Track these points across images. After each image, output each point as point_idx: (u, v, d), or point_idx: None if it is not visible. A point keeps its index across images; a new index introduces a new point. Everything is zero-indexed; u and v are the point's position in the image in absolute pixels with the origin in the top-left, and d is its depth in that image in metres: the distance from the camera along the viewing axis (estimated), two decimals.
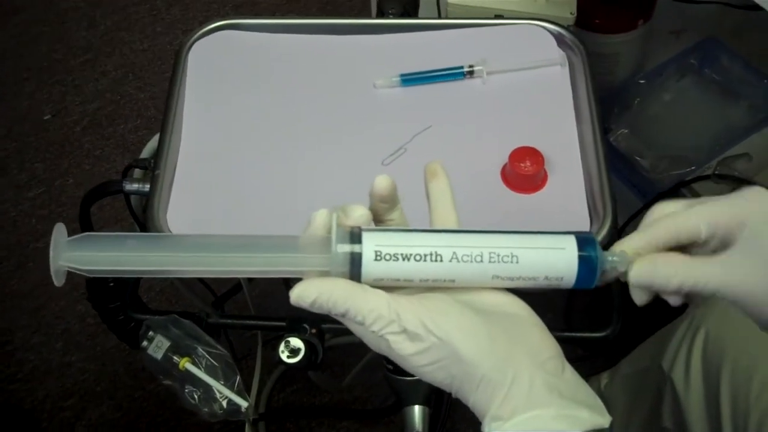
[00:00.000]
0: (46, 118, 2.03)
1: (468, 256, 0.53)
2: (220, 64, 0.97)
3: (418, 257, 0.52)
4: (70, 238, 0.50)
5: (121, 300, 0.93)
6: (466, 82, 0.95)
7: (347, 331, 0.54)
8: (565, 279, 0.54)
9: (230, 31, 1.00)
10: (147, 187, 0.86)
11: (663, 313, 0.58)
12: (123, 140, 1.98)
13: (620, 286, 0.58)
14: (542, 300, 0.57)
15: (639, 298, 0.57)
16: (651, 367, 1.10)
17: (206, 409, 0.82)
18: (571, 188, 0.85)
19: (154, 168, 0.86)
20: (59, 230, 0.50)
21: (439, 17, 1.21)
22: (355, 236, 0.52)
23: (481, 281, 0.54)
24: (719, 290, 0.53)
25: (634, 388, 1.18)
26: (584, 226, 0.82)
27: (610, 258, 0.55)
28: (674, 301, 0.57)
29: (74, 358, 1.64)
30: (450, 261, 0.52)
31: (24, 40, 2.19)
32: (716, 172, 1.30)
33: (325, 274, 0.52)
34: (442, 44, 0.98)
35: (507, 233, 0.55)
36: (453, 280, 0.53)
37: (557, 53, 0.96)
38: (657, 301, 0.57)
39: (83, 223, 0.90)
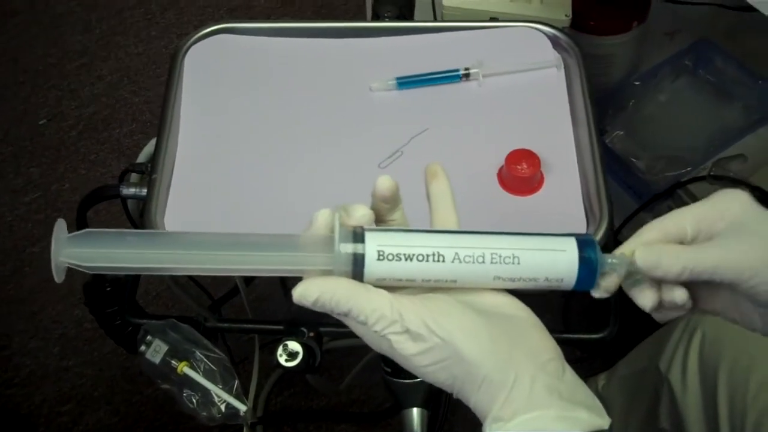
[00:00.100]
0: (41, 122, 2.03)
1: (470, 256, 0.53)
2: (216, 68, 0.97)
3: (420, 257, 0.52)
4: (71, 234, 0.50)
5: (119, 304, 0.93)
6: (462, 85, 0.95)
7: (345, 335, 0.55)
8: (565, 280, 0.55)
9: (226, 35, 1.00)
10: (144, 191, 0.86)
11: None
12: (118, 144, 1.98)
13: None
14: (540, 301, 0.57)
15: (648, 299, 0.57)
16: (648, 368, 1.10)
17: (204, 413, 0.82)
18: (568, 190, 0.86)
19: (151, 172, 0.86)
20: (60, 226, 0.50)
21: (435, 20, 1.21)
22: (357, 236, 0.52)
23: (483, 282, 0.54)
24: (716, 271, 0.53)
25: (631, 389, 1.19)
26: (581, 227, 0.82)
27: (609, 260, 0.55)
28: (680, 296, 0.57)
29: (71, 363, 1.64)
30: (452, 261, 0.53)
31: (19, 44, 2.19)
32: (711, 173, 1.31)
33: (327, 273, 0.52)
34: (437, 47, 0.98)
35: (508, 234, 0.55)
36: (455, 281, 0.53)
37: (553, 55, 0.97)
38: None
39: (80, 228, 0.90)
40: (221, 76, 0.97)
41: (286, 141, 0.91)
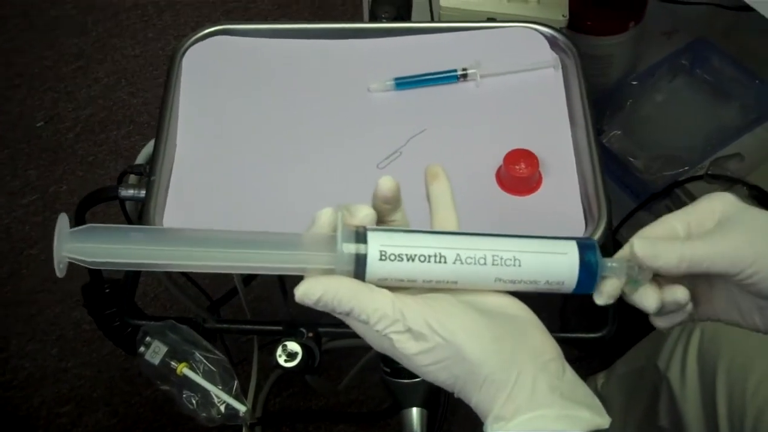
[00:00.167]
0: (38, 125, 2.03)
1: (471, 258, 0.53)
2: (213, 70, 0.97)
3: (422, 258, 0.52)
4: (74, 229, 0.50)
5: (118, 306, 0.93)
6: (460, 85, 0.95)
7: (344, 335, 0.55)
8: (565, 284, 0.55)
9: (224, 37, 1.00)
10: (142, 193, 0.86)
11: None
12: (116, 146, 1.98)
13: None
14: (538, 300, 0.58)
15: (652, 300, 0.57)
16: (647, 366, 1.10)
17: (204, 414, 0.82)
18: (566, 190, 0.86)
19: (149, 174, 0.86)
20: (62, 221, 0.50)
21: (432, 20, 1.21)
22: (360, 236, 0.52)
23: (484, 284, 0.54)
24: (713, 259, 0.54)
25: (630, 387, 1.19)
26: (579, 227, 0.82)
27: (609, 264, 0.56)
28: (682, 293, 0.57)
29: (70, 365, 1.64)
30: (454, 263, 0.53)
31: (15, 47, 2.18)
32: (709, 172, 1.31)
33: (329, 272, 0.52)
34: (435, 47, 0.98)
35: (510, 237, 0.55)
36: (455, 282, 0.54)
37: (550, 56, 0.97)
38: None
39: None
40: (219, 77, 0.97)
41: (284, 142, 0.91)
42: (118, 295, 0.92)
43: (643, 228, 0.58)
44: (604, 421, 0.51)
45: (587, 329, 0.85)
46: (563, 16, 1.07)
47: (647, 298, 0.56)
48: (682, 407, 1.00)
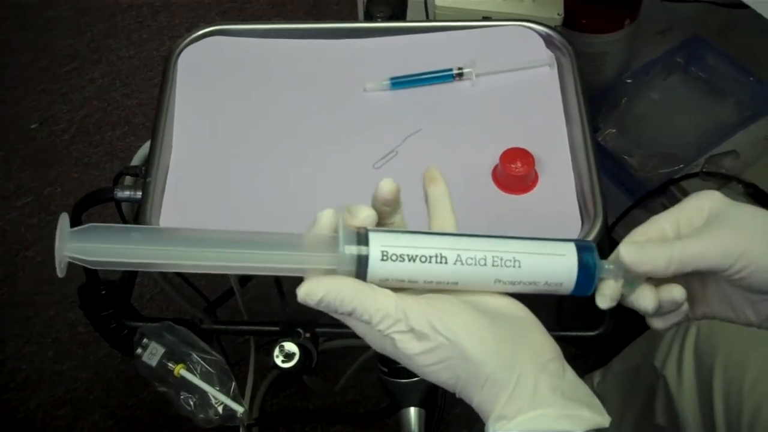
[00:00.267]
0: (33, 126, 2.02)
1: (472, 259, 0.53)
2: (209, 70, 0.97)
3: (423, 258, 0.53)
4: (75, 228, 0.50)
5: (114, 308, 0.93)
6: (456, 84, 0.95)
7: (341, 335, 0.55)
8: (564, 285, 0.55)
9: (219, 37, 1.00)
10: (138, 194, 0.86)
11: None
12: (111, 148, 1.98)
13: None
14: (534, 300, 0.58)
15: (649, 301, 0.57)
16: (643, 364, 1.10)
17: (202, 416, 0.82)
18: (562, 188, 0.86)
19: (145, 175, 0.86)
20: (64, 220, 0.50)
21: (428, 20, 1.21)
22: (361, 237, 0.52)
23: (484, 285, 0.54)
24: (703, 256, 0.54)
25: (626, 386, 1.19)
26: (575, 225, 0.82)
27: (607, 266, 0.56)
28: (678, 292, 0.57)
29: (66, 367, 1.64)
30: (454, 263, 0.53)
31: (10, 49, 2.18)
32: (704, 170, 1.31)
33: (330, 273, 0.52)
34: (430, 47, 0.98)
35: (509, 238, 0.55)
36: (456, 283, 0.54)
37: (546, 54, 0.97)
38: None
39: None
40: (214, 78, 0.96)
41: (280, 142, 0.91)
42: (114, 297, 0.92)
43: (632, 231, 0.58)
44: (605, 420, 0.51)
45: (584, 328, 0.85)
46: (558, 14, 1.07)
47: (644, 299, 0.57)
48: (678, 405, 1.00)
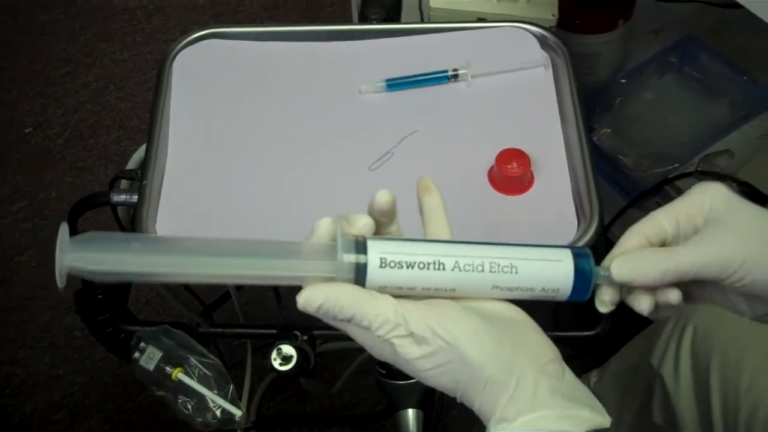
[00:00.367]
0: (27, 130, 2.02)
1: (470, 265, 0.54)
2: (204, 74, 0.97)
3: (421, 265, 0.53)
4: (75, 237, 0.49)
5: (111, 312, 0.93)
6: (451, 86, 0.95)
7: (338, 337, 0.55)
8: (561, 291, 0.56)
9: (214, 40, 1.00)
10: (134, 198, 0.86)
11: None
12: (105, 151, 1.97)
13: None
14: (531, 301, 0.58)
15: (644, 304, 0.57)
16: (640, 364, 1.10)
17: (200, 419, 0.82)
18: (558, 189, 0.86)
19: (141, 179, 0.86)
20: (63, 231, 0.50)
21: (422, 21, 1.21)
22: (360, 245, 0.53)
23: (481, 291, 0.55)
24: (699, 268, 0.55)
25: (623, 385, 1.19)
26: (571, 226, 0.82)
27: (603, 272, 0.57)
28: (674, 297, 0.57)
29: (62, 372, 1.63)
30: (452, 270, 0.53)
31: (3, 53, 2.17)
32: (699, 169, 1.32)
33: (329, 281, 0.52)
34: (425, 48, 0.98)
35: (506, 245, 0.56)
36: (454, 289, 0.54)
37: (540, 55, 0.97)
38: None
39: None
40: (210, 81, 0.96)
41: (276, 145, 0.91)
42: (111, 301, 0.92)
43: (631, 228, 0.58)
44: (605, 420, 0.52)
45: (580, 328, 0.85)
46: (553, 15, 1.07)
47: (640, 303, 0.57)
48: (676, 404, 1.00)
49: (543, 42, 0.98)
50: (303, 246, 0.53)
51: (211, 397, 0.82)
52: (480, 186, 0.87)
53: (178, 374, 0.82)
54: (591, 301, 0.59)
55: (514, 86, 0.95)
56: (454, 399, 0.54)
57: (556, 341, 0.57)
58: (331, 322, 0.53)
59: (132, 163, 0.97)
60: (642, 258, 0.56)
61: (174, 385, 0.82)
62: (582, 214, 0.84)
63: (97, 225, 1.13)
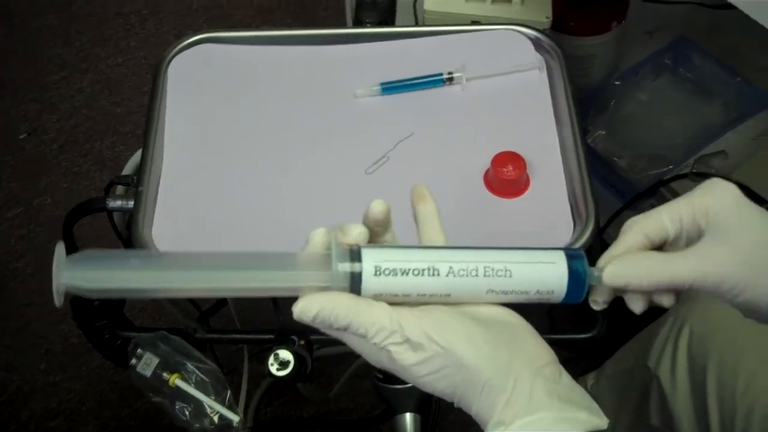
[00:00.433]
0: (21, 136, 2.01)
1: (464, 270, 0.54)
2: (199, 78, 0.97)
3: (416, 271, 0.53)
4: (72, 255, 0.50)
5: (107, 318, 0.93)
6: (446, 89, 0.95)
7: (335, 342, 0.55)
8: (555, 293, 0.56)
9: (209, 45, 1.00)
10: (130, 203, 0.86)
11: (646, 312, 0.59)
12: (100, 157, 1.97)
13: None
14: (526, 303, 0.58)
15: (637, 306, 0.58)
16: (636, 366, 1.10)
17: (197, 425, 0.81)
18: (554, 191, 0.86)
19: (137, 184, 0.86)
20: (60, 250, 0.50)
21: (417, 25, 1.21)
22: (354, 254, 0.53)
23: (477, 296, 0.55)
24: (694, 282, 0.55)
25: (620, 387, 1.19)
26: (567, 229, 0.83)
27: (596, 273, 0.57)
28: (667, 301, 0.58)
29: (58, 378, 1.63)
30: (447, 275, 0.54)
31: None
32: (693, 171, 1.32)
33: (325, 290, 0.52)
34: (420, 52, 0.99)
35: (500, 249, 0.56)
36: (449, 295, 0.54)
37: (535, 57, 0.97)
38: None
39: (67, 242, 0.89)
40: (205, 86, 0.96)
41: (272, 150, 0.91)
42: (107, 308, 0.91)
43: (633, 220, 0.58)
44: (602, 421, 0.52)
45: (577, 330, 0.85)
46: (547, 17, 1.07)
47: (633, 303, 0.58)
48: (672, 406, 1.00)
49: (537, 44, 0.99)
50: (298, 257, 0.54)
51: (209, 402, 0.81)
52: (476, 189, 0.87)
53: (176, 380, 0.81)
54: (587, 303, 0.59)
55: (509, 89, 0.95)
56: (451, 403, 0.55)
57: (553, 344, 0.57)
58: (328, 331, 0.53)
59: (127, 169, 0.97)
60: (636, 266, 0.56)
61: (171, 392, 0.81)
62: (577, 216, 0.84)
63: (93, 230, 1.13)
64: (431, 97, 0.95)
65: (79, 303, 0.94)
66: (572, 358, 1.49)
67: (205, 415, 0.81)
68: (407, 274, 0.53)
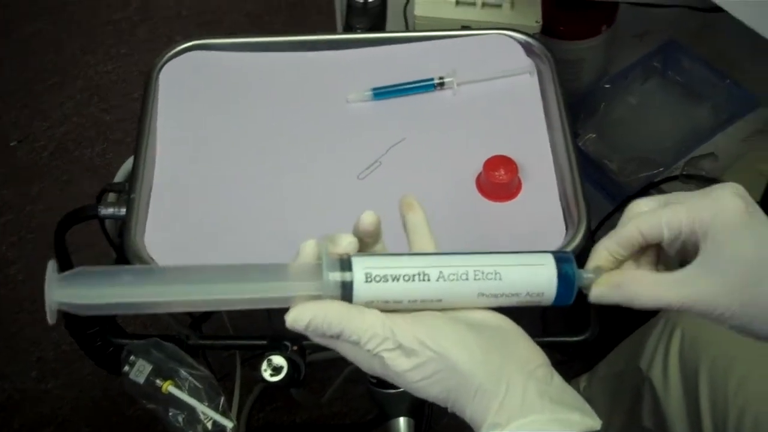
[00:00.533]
0: (12, 144, 2.01)
1: (454, 274, 0.54)
2: (191, 85, 0.97)
3: (406, 277, 0.54)
4: (64, 274, 0.50)
5: (100, 325, 0.93)
6: (437, 94, 0.96)
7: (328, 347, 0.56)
8: (545, 294, 0.57)
9: (200, 52, 1.00)
10: (122, 211, 0.86)
11: (638, 314, 0.60)
12: (91, 164, 1.96)
13: None
14: (518, 308, 0.59)
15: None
16: (629, 368, 1.11)
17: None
18: (545, 194, 0.86)
19: (129, 191, 0.86)
20: (51, 268, 0.50)
21: (407, 30, 1.22)
22: (344, 262, 0.53)
23: (468, 300, 0.55)
24: (682, 306, 0.56)
25: (612, 389, 1.19)
26: (560, 231, 0.83)
27: (585, 275, 0.58)
28: None
29: (50, 386, 1.62)
30: (437, 280, 0.54)
31: None
32: (684, 173, 1.32)
33: (317, 299, 0.53)
34: (411, 57, 0.99)
35: (489, 253, 0.57)
36: (440, 300, 0.55)
37: (525, 62, 0.97)
38: None
39: (59, 250, 0.89)
40: (196, 92, 0.96)
41: (264, 156, 0.91)
42: (99, 315, 0.91)
43: (631, 207, 0.59)
44: (595, 423, 0.52)
45: (569, 333, 0.85)
46: (537, 21, 1.08)
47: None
48: (665, 408, 1.00)
49: (528, 49, 0.99)
50: (289, 267, 0.54)
51: (202, 409, 0.81)
52: (468, 193, 0.87)
53: (169, 387, 0.81)
54: (579, 306, 0.59)
55: (500, 93, 0.95)
56: (445, 407, 0.55)
57: (545, 347, 0.57)
58: (320, 340, 0.54)
59: (119, 176, 0.96)
60: (627, 287, 0.57)
61: (164, 398, 0.81)
62: (569, 219, 0.84)
63: (84, 237, 1.13)
64: (423, 102, 0.95)
65: None
66: (565, 361, 1.49)
67: (199, 421, 0.81)
68: (398, 280, 0.53)
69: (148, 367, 0.81)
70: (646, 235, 0.58)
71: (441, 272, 0.54)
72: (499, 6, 1.11)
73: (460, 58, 0.98)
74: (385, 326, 0.52)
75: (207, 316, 1.29)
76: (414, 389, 0.54)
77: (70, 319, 0.93)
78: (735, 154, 1.35)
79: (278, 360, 0.81)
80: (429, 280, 0.54)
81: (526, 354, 0.55)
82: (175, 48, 0.99)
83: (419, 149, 0.91)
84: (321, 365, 1.40)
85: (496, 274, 0.55)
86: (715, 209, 0.56)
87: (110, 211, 0.87)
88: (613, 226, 0.60)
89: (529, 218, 0.84)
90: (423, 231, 0.60)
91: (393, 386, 0.84)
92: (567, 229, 0.83)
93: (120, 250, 0.88)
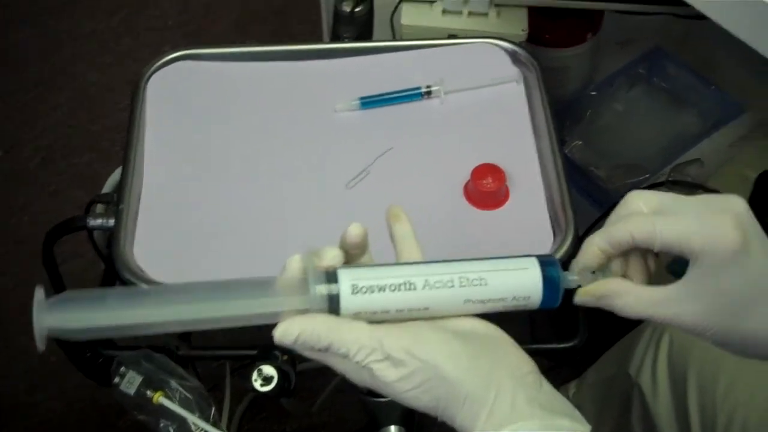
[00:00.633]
0: None
1: (440, 282, 0.55)
2: (178, 95, 0.97)
3: (392, 287, 0.54)
4: (51, 299, 0.50)
5: None
6: (425, 103, 0.96)
7: None
8: (532, 298, 0.57)
9: (188, 62, 1.00)
10: (111, 222, 0.86)
11: (627, 320, 0.60)
12: (77, 174, 1.95)
13: None
14: (507, 312, 0.59)
15: None
16: (618, 374, 1.11)
17: None
18: (533, 202, 0.87)
19: (117, 202, 0.86)
20: (39, 294, 0.50)
21: (394, 39, 1.22)
22: (331, 276, 0.54)
23: (454, 306, 0.56)
24: (671, 323, 0.56)
25: (601, 396, 1.20)
26: (547, 239, 0.83)
27: (570, 277, 0.58)
28: None
29: (39, 398, 1.61)
30: (423, 288, 0.54)
31: None
32: (670, 179, 1.33)
33: (304, 313, 0.53)
34: (398, 66, 0.99)
35: (473, 260, 0.57)
36: (427, 308, 0.55)
37: (512, 70, 0.98)
38: None
39: (47, 261, 0.89)
40: (184, 102, 0.96)
41: (252, 165, 0.91)
42: None
43: (630, 220, 0.58)
44: (585, 428, 0.52)
45: (558, 339, 0.86)
46: (523, 30, 1.08)
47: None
48: (654, 413, 1.00)
49: (514, 57, 0.99)
50: (275, 282, 0.54)
51: (193, 420, 0.81)
52: (456, 202, 0.87)
53: (159, 398, 0.81)
54: (568, 312, 0.59)
55: (487, 102, 0.96)
56: (435, 416, 0.55)
57: (534, 354, 0.58)
58: (309, 354, 0.54)
59: (107, 187, 0.96)
60: (608, 300, 0.58)
61: (155, 409, 0.81)
62: (557, 226, 0.84)
63: (72, 248, 1.13)
64: (410, 111, 0.96)
65: None
66: (553, 367, 1.50)
67: None
68: (384, 290, 0.54)
69: (139, 379, 0.81)
70: (638, 241, 0.57)
71: (426, 281, 0.54)
72: (485, 15, 1.12)
73: (447, 67, 0.98)
74: (373, 337, 0.52)
75: None
76: (403, 399, 0.54)
77: None
78: (721, 159, 1.36)
79: (268, 370, 0.80)
80: (415, 289, 0.54)
81: (515, 361, 0.55)
82: (162, 58, 0.99)
83: (407, 158, 0.91)
84: (311, 374, 1.40)
85: (481, 280, 0.55)
86: (710, 239, 0.53)
87: (99, 222, 0.87)
88: None
89: (516, 226, 0.85)
90: (410, 242, 0.60)
91: (384, 395, 0.84)
92: (555, 236, 0.84)
93: (108, 260, 0.87)
